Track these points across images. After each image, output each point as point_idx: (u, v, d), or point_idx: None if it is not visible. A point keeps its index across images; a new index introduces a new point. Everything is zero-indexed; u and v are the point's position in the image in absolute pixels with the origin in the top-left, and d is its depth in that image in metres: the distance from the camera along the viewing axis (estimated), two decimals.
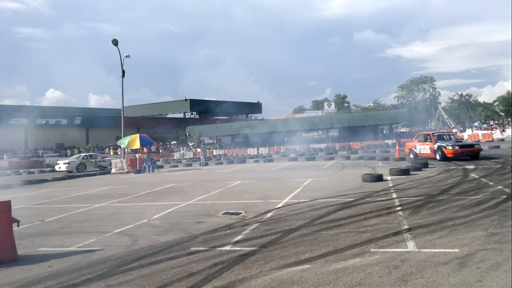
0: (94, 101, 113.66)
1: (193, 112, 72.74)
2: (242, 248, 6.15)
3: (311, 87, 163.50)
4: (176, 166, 31.62)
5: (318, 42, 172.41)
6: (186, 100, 68.74)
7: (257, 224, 7.85)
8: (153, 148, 47.74)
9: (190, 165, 31.49)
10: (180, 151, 53.06)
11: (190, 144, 57.35)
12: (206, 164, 30.66)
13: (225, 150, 48.17)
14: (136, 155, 28.92)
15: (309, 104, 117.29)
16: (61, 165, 30.09)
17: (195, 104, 70.19)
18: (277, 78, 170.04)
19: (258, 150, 47.35)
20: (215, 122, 69.10)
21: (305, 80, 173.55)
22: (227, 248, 6.23)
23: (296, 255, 5.66)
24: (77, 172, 28.96)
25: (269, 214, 8.75)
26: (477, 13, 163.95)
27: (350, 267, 5.07)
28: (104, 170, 29.39)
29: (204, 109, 72.54)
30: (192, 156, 47.23)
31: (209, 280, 4.87)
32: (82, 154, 32.75)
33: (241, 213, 9.05)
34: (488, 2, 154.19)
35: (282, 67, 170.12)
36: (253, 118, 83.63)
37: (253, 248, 6.10)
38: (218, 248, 6.23)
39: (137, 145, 26.72)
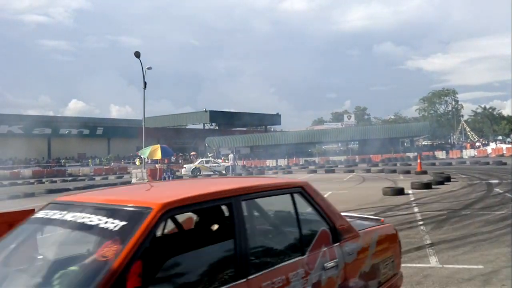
0: (116, 112, 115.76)
1: (213, 123, 73.26)
2: None
3: (330, 99, 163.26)
4: (195, 176, 31.80)
5: (338, 54, 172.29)
6: (205, 111, 69.31)
7: None
8: (172, 159, 48.13)
9: (209, 175, 31.60)
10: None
11: (209, 155, 57.66)
12: (239, 174, 30.41)
13: (244, 162, 48.24)
14: (156, 165, 29.20)
15: (329, 116, 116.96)
16: (183, 170, 33.59)
17: (214, 115, 70.70)
18: (297, 90, 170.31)
19: (277, 161, 47.29)
20: (234, 133, 69.41)
21: (324, 92, 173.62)
22: None
23: None
24: (192, 175, 31.38)
25: None
26: (499, 25, 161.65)
27: None
28: (218, 174, 30.83)
29: (223, 120, 73.03)
30: None
31: None
32: (200, 159, 34.50)
33: None
34: (509, 13, 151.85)
35: (301, 79, 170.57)
36: (272, 129, 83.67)
37: None
38: None
39: (158, 155, 26.93)
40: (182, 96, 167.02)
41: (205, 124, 73.20)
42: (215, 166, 32.50)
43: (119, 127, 63.57)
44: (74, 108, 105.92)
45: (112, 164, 52.72)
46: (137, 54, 28.82)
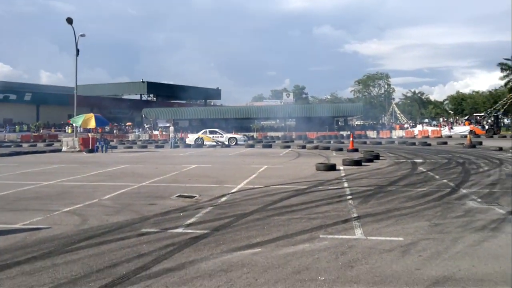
0: (46, 78, 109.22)
1: (150, 95, 71.40)
2: (194, 231, 6.14)
3: (270, 77, 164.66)
4: (131, 147, 30.99)
5: (279, 33, 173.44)
6: (143, 82, 67.36)
7: (210, 207, 7.86)
8: (107, 128, 46.51)
9: (145, 147, 30.95)
10: (135, 132, 52.01)
11: (146, 126, 56.31)
12: (176, 146, 30.30)
13: (182, 134, 47.63)
14: (89, 134, 28.09)
15: (268, 93, 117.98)
16: (187, 139, 33.36)
17: (152, 87, 68.88)
18: (237, 66, 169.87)
19: None
20: (172, 105, 68.13)
21: (265, 70, 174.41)
22: (179, 230, 6.21)
23: (247, 239, 5.72)
24: (194, 144, 31.24)
25: (223, 199, 8.77)
26: (432, 15, 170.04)
27: (299, 252, 5.18)
28: (222, 145, 31.04)
29: (161, 92, 71.43)
30: (147, 138, 46.42)
31: (159, 261, 4.83)
32: (203, 130, 34.29)
33: (195, 196, 9.03)
34: (442, 5, 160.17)
35: (242, 56, 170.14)
36: (211, 104, 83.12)
37: (205, 231, 6.11)
38: (170, 230, 6.19)
39: (92, 124, 25.95)
40: (118, 66, 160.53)
41: (143, 95, 71.13)
42: (218, 137, 32.39)
43: (49, 93, 60.05)
44: (0, 71, 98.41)
45: (42, 131, 50.02)
46: (69, 20, 27.60)
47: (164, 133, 47.29)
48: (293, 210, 7.57)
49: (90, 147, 25.01)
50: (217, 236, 5.89)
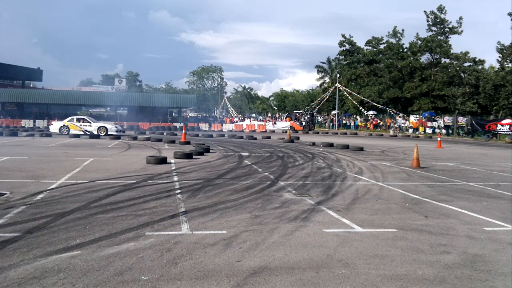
0: None
1: None
2: (2, 234, 5.46)
3: (101, 60, 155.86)
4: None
5: (113, 13, 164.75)
6: None
7: (24, 206, 7.07)
8: None
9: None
10: None
11: None
12: None
13: None
14: None
15: (99, 78, 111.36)
16: (51, 127, 29.95)
17: None
18: (64, 45, 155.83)
19: (34, 122, 42.61)
20: None
21: (95, 52, 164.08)
22: None
23: (66, 241, 5.32)
24: (59, 133, 28.43)
25: (40, 196, 7.98)
26: (262, 13, 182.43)
27: (123, 251, 5.03)
28: (90, 135, 27.86)
29: None
30: None
31: None
32: (70, 117, 29.21)
33: (5, 194, 8.01)
34: (271, 5, 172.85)
35: (70, 33, 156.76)
36: (31, 85, 74.62)
37: (16, 234, 5.49)
38: None
39: None
40: None
41: None
42: (86, 125, 28.58)
43: None
44: None
45: None
46: None
47: None
48: (119, 207, 7.30)
49: None
50: (30, 239, 5.34)
